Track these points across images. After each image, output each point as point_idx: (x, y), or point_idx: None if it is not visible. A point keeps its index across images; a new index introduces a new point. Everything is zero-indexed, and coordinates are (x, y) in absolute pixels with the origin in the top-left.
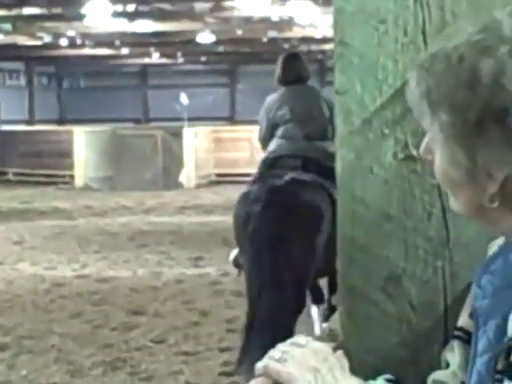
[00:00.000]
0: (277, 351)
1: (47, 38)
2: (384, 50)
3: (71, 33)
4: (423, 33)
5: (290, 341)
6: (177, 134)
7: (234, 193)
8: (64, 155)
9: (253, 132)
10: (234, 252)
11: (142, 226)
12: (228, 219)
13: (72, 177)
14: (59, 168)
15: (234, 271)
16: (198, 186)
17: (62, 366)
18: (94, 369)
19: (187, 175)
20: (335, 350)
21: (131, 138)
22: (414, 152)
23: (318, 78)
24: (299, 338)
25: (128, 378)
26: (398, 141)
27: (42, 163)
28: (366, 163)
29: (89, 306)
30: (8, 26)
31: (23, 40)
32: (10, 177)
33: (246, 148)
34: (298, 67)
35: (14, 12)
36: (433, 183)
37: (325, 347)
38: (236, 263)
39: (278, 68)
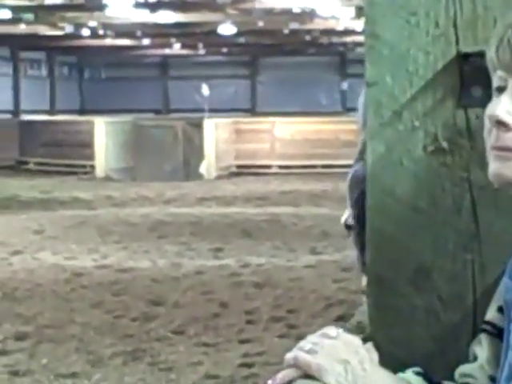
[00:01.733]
0: (307, 342)
1: (69, 28)
2: (415, 42)
3: (93, 23)
4: (455, 25)
5: (320, 332)
6: (197, 125)
7: (254, 184)
8: (85, 145)
9: (273, 123)
10: (345, 214)
11: (162, 217)
12: (248, 211)
13: (93, 167)
14: (80, 158)
15: (254, 262)
16: (219, 178)
17: (82, 355)
18: (114, 359)
19: (207, 166)
20: (364, 341)
21: (152, 129)
22: (444, 145)
23: (339, 71)
24: (330, 330)
25: (148, 369)
26: (428, 133)
27: (63, 153)
28: (395, 156)
29: (109, 296)
30: (30, 16)
31: (45, 30)
32: (31, 166)
33: (266, 140)
34: None
35: (36, 2)
36: (463, 176)
37: (355, 339)
38: (346, 225)
39: None
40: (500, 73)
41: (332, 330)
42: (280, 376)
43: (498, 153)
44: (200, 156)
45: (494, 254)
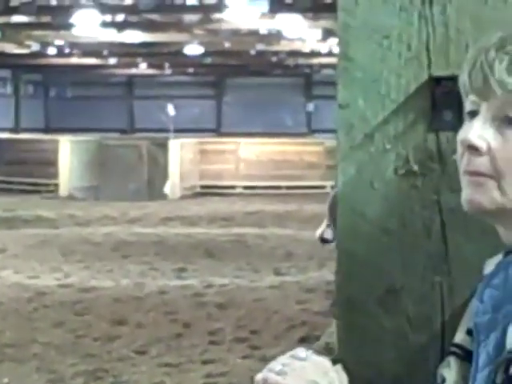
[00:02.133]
0: (277, 363)
1: (35, 47)
2: (387, 65)
3: (59, 42)
4: (427, 49)
5: (289, 353)
6: (162, 145)
7: (218, 205)
8: (49, 164)
9: (238, 144)
10: (321, 229)
11: (126, 237)
12: (212, 231)
13: (56, 186)
14: (44, 177)
15: (218, 283)
16: (183, 198)
17: (43, 374)
18: (75, 378)
19: (172, 186)
20: (334, 363)
21: (116, 149)
22: (415, 167)
23: (305, 92)
24: (299, 351)
25: None
26: (399, 156)
27: (27, 171)
28: (366, 177)
29: (71, 315)
30: None
31: (11, 48)
32: None
33: (231, 160)
34: None
35: (3, 20)
36: (433, 199)
37: (325, 361)
38: (322, 239)
39: None
40: (472, 97)
41: (301, 352)
42: None
43: (469, 178)
44: (164, 176)
45: (462, 277)
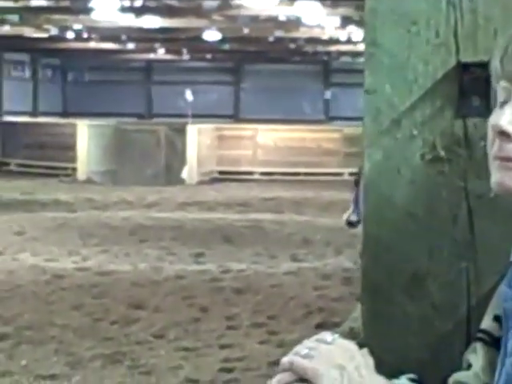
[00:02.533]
0: (303, 347)
1: (53, 31)
2: (415, 51)
3: (78, 26)
4: (455, 35)
5: (315, 337)
6: (180, 131)
7: (235, 190)
8: (67, 148)
9: (256, 130)
10: (347, 213)
11: (143, 221)
12: (229, 217)
13: (74, 169)
14: (62, 160)
15: (235, 268)
16: (200, 183)
17: (61, 357)
18: (93, 361)
19: (189, 172)
20: (360, 347)
21: (134, 133)
22: (442, 153)
23: (323, 80)
24: (326, 335)
25: (127, 372)
26: (426, 142)
27: (45, 155)
28: (393, 163)
29: (89, 298)
30: (15, 18)
31: (29, 32)
32: (13, 168)
33: (248, 146)
34: None
35: (22, 3)
36: (460, 185)
37: (351, 345)
38: (348, 222)
39: None
40: (504, 83)
41: (328, 336)
42: (275, 380)
43: (500, 163)
44: (182, 161)
45: (489, 263)
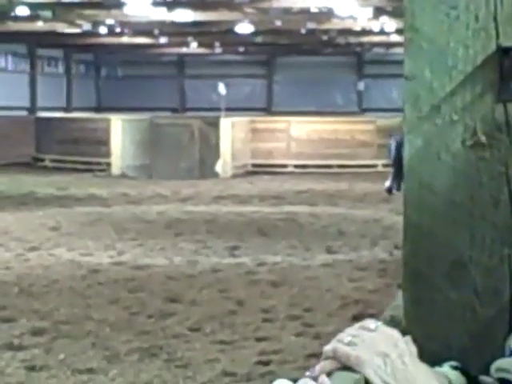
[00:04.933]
0: (346, 335)
1: (86, 26)
2: (455, 35)
3: (110, 21)
4: (495, 19)
5: (358, 324)
6: (214, 124)
7: (269, 183)
8: (101, 143)
9: (289, 123)
10: (387, 182)
11: (178, 215)
12: (264, 209)
13: (108, 164)
14: (96, 155)
15: (270, 261)
16: (234, 176)
17: (98, 351)
18: (130, 355)
19: (223, 165)
20: (403, 335)
21: (168, 127)
22: (483, 139)
23: (356, 71)
24: (369, 322)
25: (164, 365)
26: (466, 127)
27: (79, 150)
28: (433, 149)
29: (125, 292)
30: (48, 13)
31: (62, 27)
32: (47, 163)
33: (282, 139)
34: None
35: None
36: (501, 170)
37: (394, 332)
38: (389, 189)
39: None
40: None
41: (371, 323)
42: (318, 367)
43: None
44: (216, 155)
45: None
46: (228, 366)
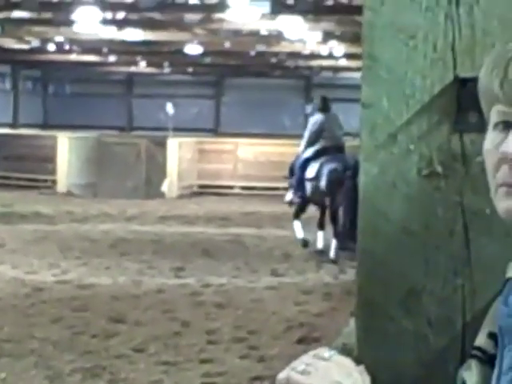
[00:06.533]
0: (300, 363)
1: (35, 43)
2: (413, 65)
3: (59, 38)
4: (452, 49)
5: (313, 353)
6: (161, 144)
7: (216, 204)
8: (47, 160)
9: (237, 144)
10: (289, 195)
11: (124, 234)
12: (210, 230)
13: (54, 182)
14: (42, 173)
15: (215, 282)
16: (181, 197)
17: (41, 370)
18: (73, 375)
19: (170, 185)
20: (357, 364)
21: (115, 146)
22: (439, 169)
23: (304, 94)
24: (323, 351)
25: None
26: (422, 157)
27: (25, 167)
28: (389, 178)
29: (69, 311)
30: None
31: (10, 43)
32: None
33: (229, 160)
34: (329, 103)
35: (3, 15)
36: (456, 201)
37: (348, 361)
38: (289, 202)
39: (318, 101)
40: (503, 108)
41: (325, 352)
42: None
43: (508, 189)
44: (162, 174)
45: (484, 280)
46: None
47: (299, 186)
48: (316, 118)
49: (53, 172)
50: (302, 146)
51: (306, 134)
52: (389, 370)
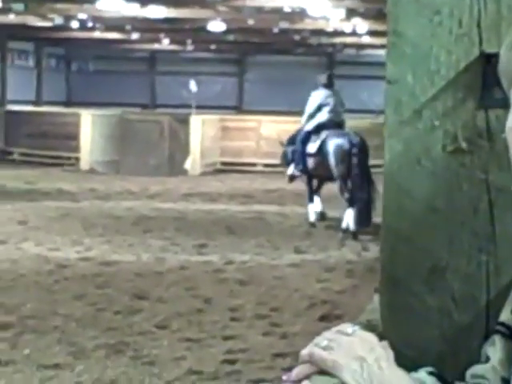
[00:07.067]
0: (323, 338)
1: (58, 20)
2: (438, 40)
3: (82, 15)
4: (478, 25)
5: (336, 328)
6: (184, 121)
7: (238, 182)
8: (70, 137)
9: (260, 122)
10: (290, 170)
11: (147, 212)
12: (232, 208)
13: (77, 159)
14: (65, 150)
15: (238, 259)
16: (203, 174)
17: (64, 347)
18: (96, 351)
19: (193, 162)
20: (380, 339)
21: (138, 123)
22: (464, 145)
23: (326, 71)
24: (346, 327)
25: (130, 362)
26: (447, 133)
27: (48, 144)
28: (414, 154)
29: (92, 288)
30: (20, 6)
31: (34, 21)
32: (16, 157)
33: (252, 137)
34: (333, 79)
35: None
36: (481, 177)
37: (371, 337)
38: (291, 177)
39: (322, 77)
40: None
41: (348, 327)
42: (295, 372)
43: None
44: (185, 152)
45: (509, 256)
46: (194, 364)
47: (299, 159)
48: (319, 93)
49: (76, 149)
50: (303, 119)
51: (308, 108)
52: (413, 346)
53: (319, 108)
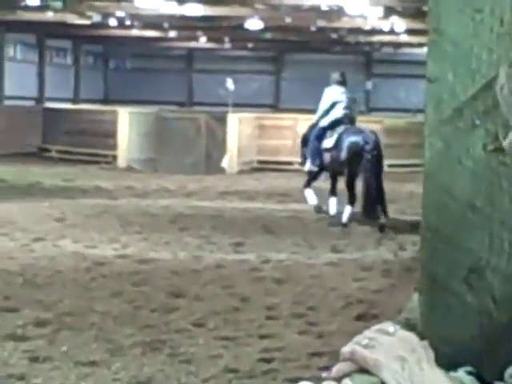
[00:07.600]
0: (364, 337)
1: (96, 18)
2: (479, 39)
3: (120, 13)
4: None
5: (377, 327)
6: (221, 119)
7: (275, 180)
8: (108, 135)
9: (296, 120)
10: (307, 164)
11: (183, 210)
12: (269, 206)
13: (115, 157)
14: (102, 147)
15: (275, 258)
16: (240, 172)
17: (101, 344)
18: (133, 348)
19: (230, 161)
20: (421, 339)
21: (175, 121)
22: (505, 144)
23: (364, 70)
24: (387, 326)
25: (167, 360)
26: (488, 132)
27: (86, 142)
28: (454, 153)
29: (129, 286)
30: (58, 4)
31: (72, 18)
32: (53, 154)
33: (288, 136)
34: (346, 77)
35: None
36: None
37: (412, 337)
38: (310, 172)
39: (336, 75)
40: None
41: (389, 326)
42: (335, 369)
43: None
44: (222, 150)
45: None
46: (231, 362)
47: (315, 154)
48: (333, 90)
49: (113, 147)
50: (316, 115)
51: (322, 105)
52: (452, 345)
53: (333, 105)
